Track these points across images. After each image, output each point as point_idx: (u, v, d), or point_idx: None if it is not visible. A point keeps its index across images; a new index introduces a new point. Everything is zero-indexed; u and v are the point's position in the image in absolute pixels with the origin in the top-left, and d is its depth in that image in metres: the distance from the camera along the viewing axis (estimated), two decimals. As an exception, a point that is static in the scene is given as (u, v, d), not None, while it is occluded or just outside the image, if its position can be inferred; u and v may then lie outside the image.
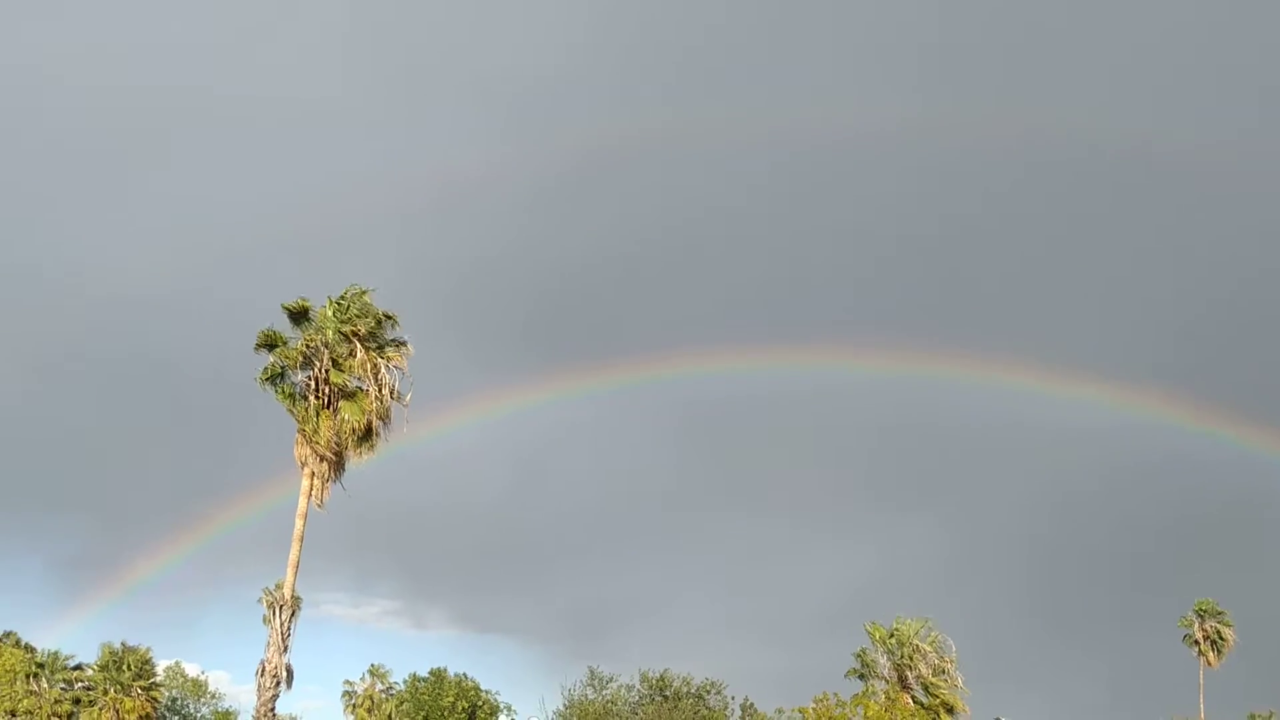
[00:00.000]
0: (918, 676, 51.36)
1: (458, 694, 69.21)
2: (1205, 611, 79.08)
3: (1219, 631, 78.36)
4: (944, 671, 51.50)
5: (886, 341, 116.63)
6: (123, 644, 62.56)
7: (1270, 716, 56.11)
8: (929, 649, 51.44)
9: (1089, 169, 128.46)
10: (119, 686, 60.53)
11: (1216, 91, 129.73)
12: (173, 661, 73.76)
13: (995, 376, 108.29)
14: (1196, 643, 78.73)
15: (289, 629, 34.64)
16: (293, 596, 34.72)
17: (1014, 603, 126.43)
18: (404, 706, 65.64)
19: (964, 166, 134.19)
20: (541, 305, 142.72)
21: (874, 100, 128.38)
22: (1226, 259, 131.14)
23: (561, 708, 47.83)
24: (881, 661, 51.92)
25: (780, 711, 52.06)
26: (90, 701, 60.10)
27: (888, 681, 51.39)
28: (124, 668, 61.16)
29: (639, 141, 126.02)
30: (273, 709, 35.00)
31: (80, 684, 62.07)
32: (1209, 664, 78.23)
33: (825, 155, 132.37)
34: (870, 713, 47.08)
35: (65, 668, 62.72)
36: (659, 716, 46.24)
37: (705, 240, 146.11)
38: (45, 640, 69.84)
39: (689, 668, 51.11)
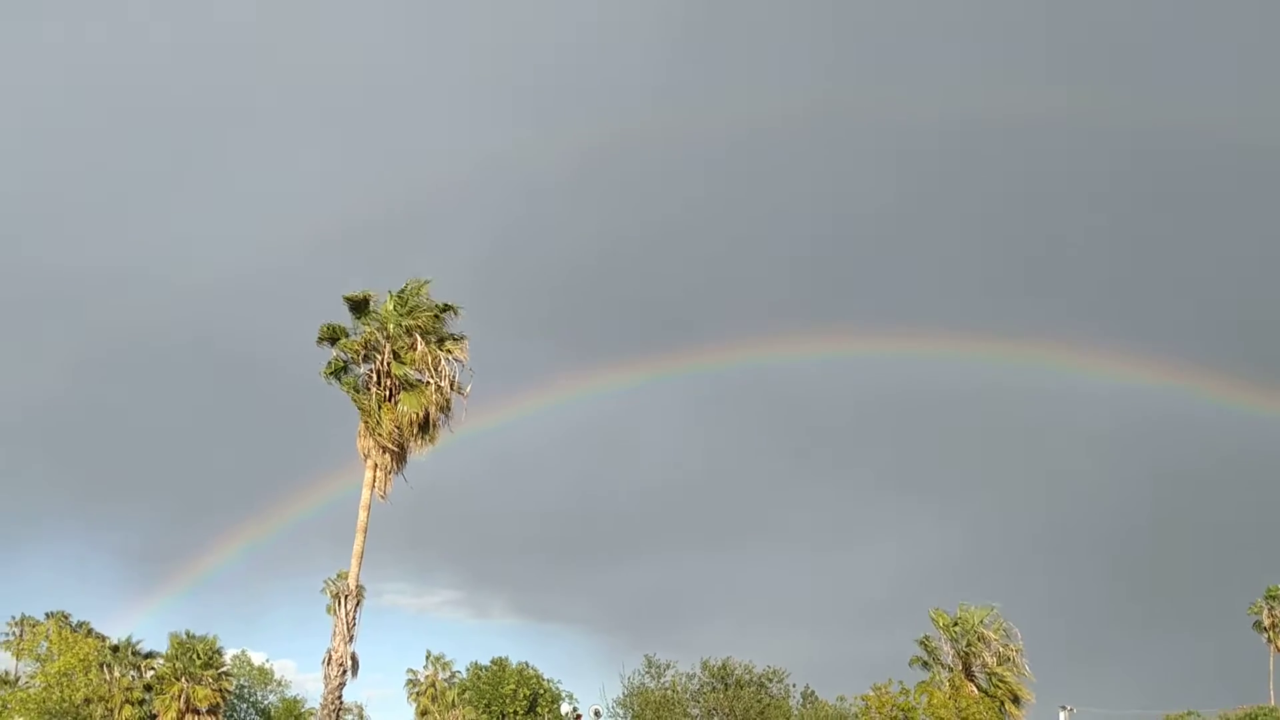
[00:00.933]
0: (982, 665, 50.76)
1: (519, 682, 69.56)
2: (1276, 597, 77.75)
3: (1289, 617, 77.03)
4: (1010, 660, 50.82)
5: (953, 323, 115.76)
6: (187, 633, 63.67)
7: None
8: (994, 637, 50.80)
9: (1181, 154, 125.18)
10: (189, 675, 61.58)
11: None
12: (239, 650, 74.92)
13: (1064, 360, 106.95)
14: (1266, 629, 77.50)
15: (354, 618, 35.04)
16: (357, 586, 35.13)
17: (1080, 586, 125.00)
18: (466, 695, 66.11)
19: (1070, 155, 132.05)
20: (591, 294, 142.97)
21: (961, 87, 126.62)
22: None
23: (621, 696, 47.90)
24: (945, 650, 51.36)
25: (841, 699, 51.77)
26: (161, 690, 61.19)
27: (952, 670, 50.85)
28: (193, 656, 62.23)
29: (712, 124, 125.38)
30: (339, 697, 35.45)
31: (150, 672, 63.19)
32: (1279, 650, 76.98)
33: (916, 136, 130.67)
34: (935, 701, 46.62)
35: (137, 655, 63.90)
36: (720, 704, 46.19)
37: (774, 227, 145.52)
38: (117, 630, 71.20)
39: (750, 656, 51.05)
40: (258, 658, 77.15)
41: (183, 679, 61.31)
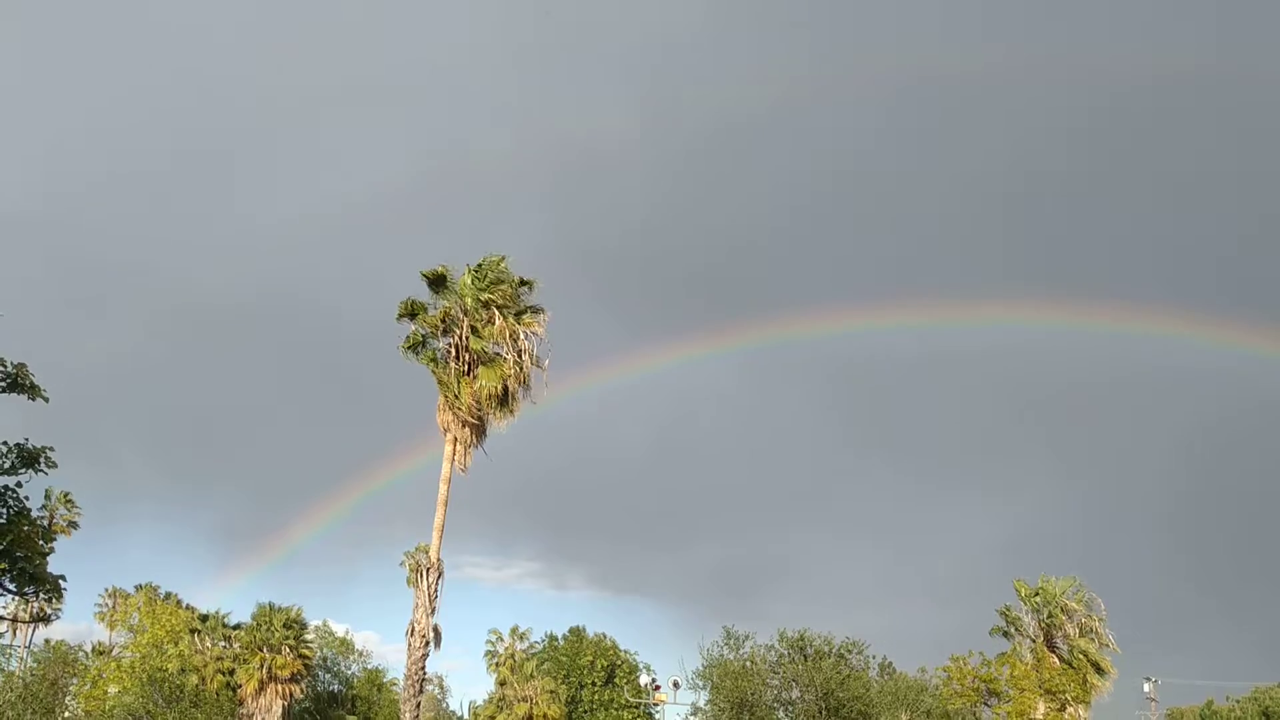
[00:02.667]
0: (1064, 636, 49.97)
1: (596, 653, 70.01)
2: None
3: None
4: (1092, 631, 49.98)
5: (1036, 297, 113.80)
6: (270, 604, 64.87)
7: None
8: (1077, 607, 49.96)
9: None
10: (269, 645, 62.77)
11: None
12: (321, 621, 76.19)
13: (1151, 327, 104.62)
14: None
15: (435, 591, 35.33)
16: (438, 560, 35.43)
17: (1160, 559, 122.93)
18: (545, 665, 66.67)
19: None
20: (693, 263, 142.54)
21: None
22: None
23: (700, 667, 47.98)
24: (1027, 620, 50.67)
25: (923, 671, 51.49)
26: (246, 659, 62.41)
27: (1034, 640, 50.19)
28: (273, 627, 63.39)
29: (789, 100, 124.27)
30: (423, 668, 35.84)
31: (238, 642, 64.48)
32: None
33: (984, 102, 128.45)
34: (1017, 672, 46.13)
35: (224, 626, 65.23)
36: (800, 675, 46.06)
37: (860, 199, 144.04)
38: (206, 603, 72.80)
39: (827, 627, 50.84)
40: (339, 629, 78.51)
41: (264, 649, 62.51)
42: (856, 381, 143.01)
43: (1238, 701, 55.59)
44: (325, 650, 74.36)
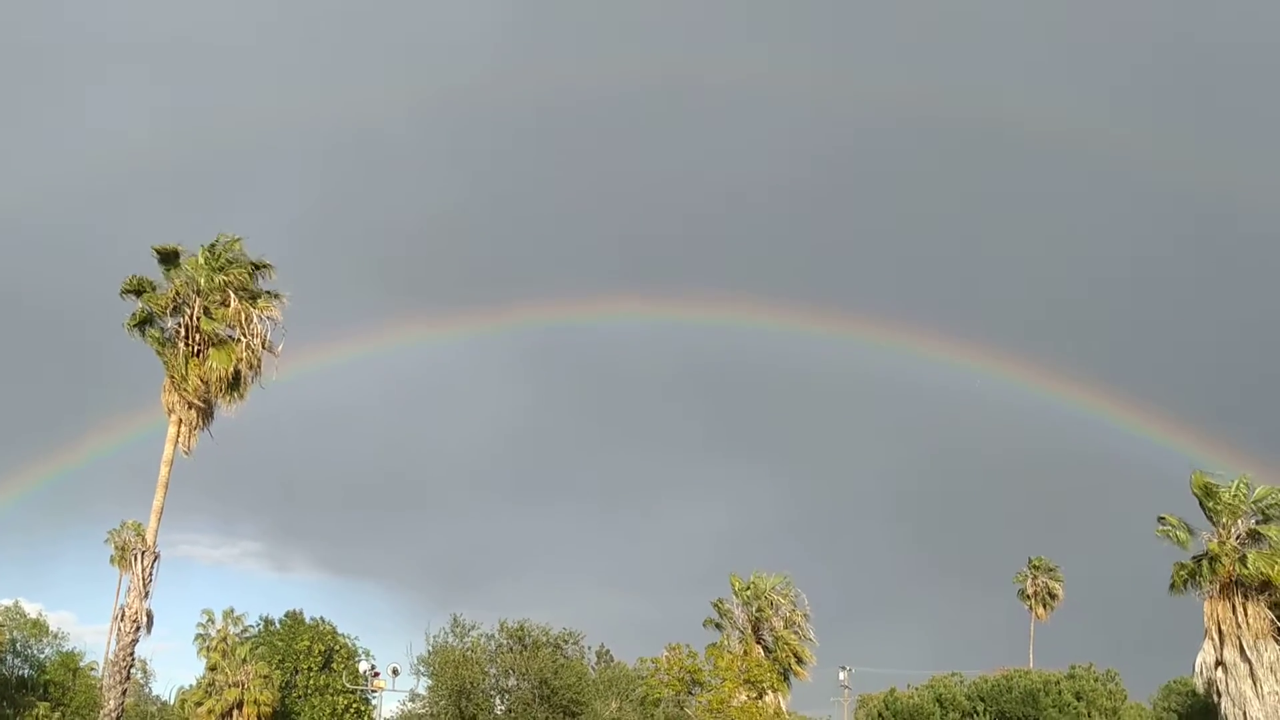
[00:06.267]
0: (770, 629, 53.72)
1: (314, 637, 68.94)
2: (1038, 568, 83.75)
3: (1049, 588, 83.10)
4: (795, 624, 53.93)
5: (757, 294, 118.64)
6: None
7: (1090, 667, 60.14)
8: (784, 602, 53.78)
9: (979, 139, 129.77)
10: (-43, 629, 58.85)
11: (1126, 71, 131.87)
12: (12, 601, 71.49)
13: (853, 332, 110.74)
14: (1029, 597, 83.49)
15: (150, 574, 34.48)
16: (154, 543, 34.50)
17: (874, 558, 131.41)
18: (259, 650, 65.16)
19: (834, 124, 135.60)
20: (417, 247, 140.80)
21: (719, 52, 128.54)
22: (1108, 234, 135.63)
23: (426, 654, 48.25)
24: (737, 613, 54.08)
25: (642, 661, 53.73)
26: (-74, 643, 58.29)
27: (742, 633, 53.51)
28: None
29: (553, 87, 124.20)
30: (131, 654, 34.91)
31: (-85, 625, 60.09)
32: (1039, 617, 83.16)
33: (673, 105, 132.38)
34: (721, 663, 48.80)
35: (-100, 607, 60.61)
36: (516, 665, 47.11)
37: (587, 189, 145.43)
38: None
39: (557, 616, 52.25)
40: (32, 609, 73.81)
41: (-50, 633, 58.55)
42: (604, 372, 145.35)
43: (917, 689, 60.62)
44: (15, 633, 69.79)
